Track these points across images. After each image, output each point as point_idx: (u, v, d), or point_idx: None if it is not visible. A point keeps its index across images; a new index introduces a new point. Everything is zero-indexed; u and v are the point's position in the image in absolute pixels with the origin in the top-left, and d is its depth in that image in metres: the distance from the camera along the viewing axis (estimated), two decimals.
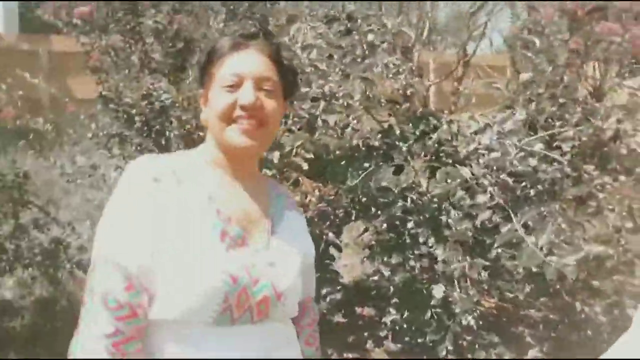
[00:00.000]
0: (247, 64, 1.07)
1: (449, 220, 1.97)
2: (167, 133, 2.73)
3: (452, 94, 3.33)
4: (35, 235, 3.26)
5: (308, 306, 1.25)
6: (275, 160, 2.04)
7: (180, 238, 1.00)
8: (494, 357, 1.82)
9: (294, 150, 2.11)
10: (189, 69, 2.63)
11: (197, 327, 0.99)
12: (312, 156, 2.15)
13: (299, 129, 2.14)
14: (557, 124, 2.16)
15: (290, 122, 2.13)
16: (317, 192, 2.40)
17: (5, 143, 5.78)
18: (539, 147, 1.88)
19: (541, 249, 1.36)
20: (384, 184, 2.15)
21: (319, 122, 2.17)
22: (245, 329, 1.02)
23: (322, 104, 2.14)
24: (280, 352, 1.07)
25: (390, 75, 2.20)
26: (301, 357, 1.14)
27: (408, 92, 2.51)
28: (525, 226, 1.48)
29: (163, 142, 2.79)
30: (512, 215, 1.46)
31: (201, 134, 2.74)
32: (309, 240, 1.20)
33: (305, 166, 2.11)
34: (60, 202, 5.41)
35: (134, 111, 2.71)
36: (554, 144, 2.07)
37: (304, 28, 2.23)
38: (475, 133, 1.88)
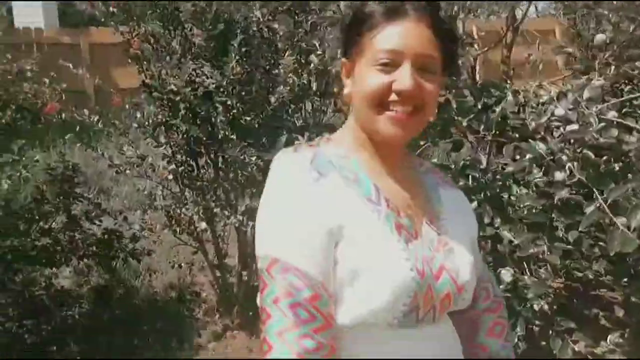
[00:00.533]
0: (406, 39, 0.91)
1: (512, 198, 1.84)
2: (213, 119, 2.67)
3: (502, 63, 3.13)
4: (88, 227, 3.30)
5: (484, 287, 1.09)
6: None
7: (359, 235, 0.89)
8: (570, 345, 1.69)
9: None
10: (231, 52, 2.55)
11: (377, 331, 0.89)
12: None
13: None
14: (627, 88, 1.97)
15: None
16: None
17: (52, 137, 5.90)
18: (612, 115, 1.72)
19: (633, 230, 1.23)
20: (434, 160, 2.02)
21: None
22: (426, 331, 0.92)
23: None
24: (453, 352, 0.99)
25: None
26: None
27: (459, 64, 2.37)
28: (610, 206, 1.33)
29: (209, 129, 2.74)
30: (597, 193, 1.31)
31: (247, 118, 2.67)
32: (472, 214, 1.08)
33: None
34: (110, 191, 5.48)
35: (178, 98, 2.66)
36: (623, 111, 1.89)
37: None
38: (543, 104, 1.73)
